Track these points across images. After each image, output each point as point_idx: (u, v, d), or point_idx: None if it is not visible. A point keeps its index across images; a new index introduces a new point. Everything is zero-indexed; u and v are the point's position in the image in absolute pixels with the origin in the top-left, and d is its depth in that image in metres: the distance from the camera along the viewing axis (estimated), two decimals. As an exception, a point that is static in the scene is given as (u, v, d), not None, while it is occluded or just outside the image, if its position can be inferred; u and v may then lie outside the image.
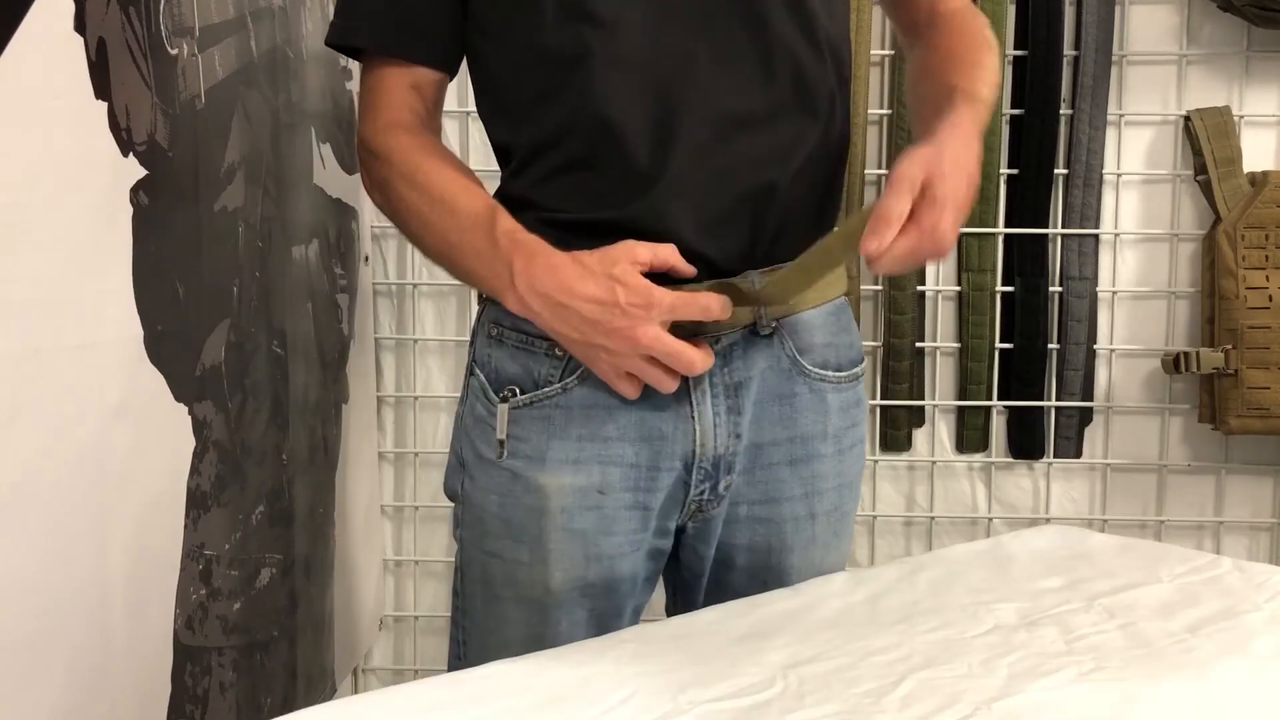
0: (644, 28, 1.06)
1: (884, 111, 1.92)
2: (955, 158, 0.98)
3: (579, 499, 1.12)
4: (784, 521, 1.17)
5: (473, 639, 1.21)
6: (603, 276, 1.02)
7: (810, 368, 1.15)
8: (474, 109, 1.95)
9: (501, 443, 1.13)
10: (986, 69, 1.10)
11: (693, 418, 1.11)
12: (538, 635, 1.14)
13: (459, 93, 1.94)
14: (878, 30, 1.91)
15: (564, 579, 1.13)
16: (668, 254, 1.05)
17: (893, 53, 1.90)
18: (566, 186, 1.10)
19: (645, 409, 1.11)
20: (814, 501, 1.18)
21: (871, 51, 1.89)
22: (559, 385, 1.11)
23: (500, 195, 1.15)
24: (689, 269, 1.06)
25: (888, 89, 1.92)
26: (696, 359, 1.04)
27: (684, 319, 1.04)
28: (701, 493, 1.14)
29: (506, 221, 1.06)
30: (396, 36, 1.13)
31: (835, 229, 1.10)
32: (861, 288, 1.92)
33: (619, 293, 1.02)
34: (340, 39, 1.16)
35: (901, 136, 1.91)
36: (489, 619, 1.18)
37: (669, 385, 1.06)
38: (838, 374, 1.18)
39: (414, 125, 1.14)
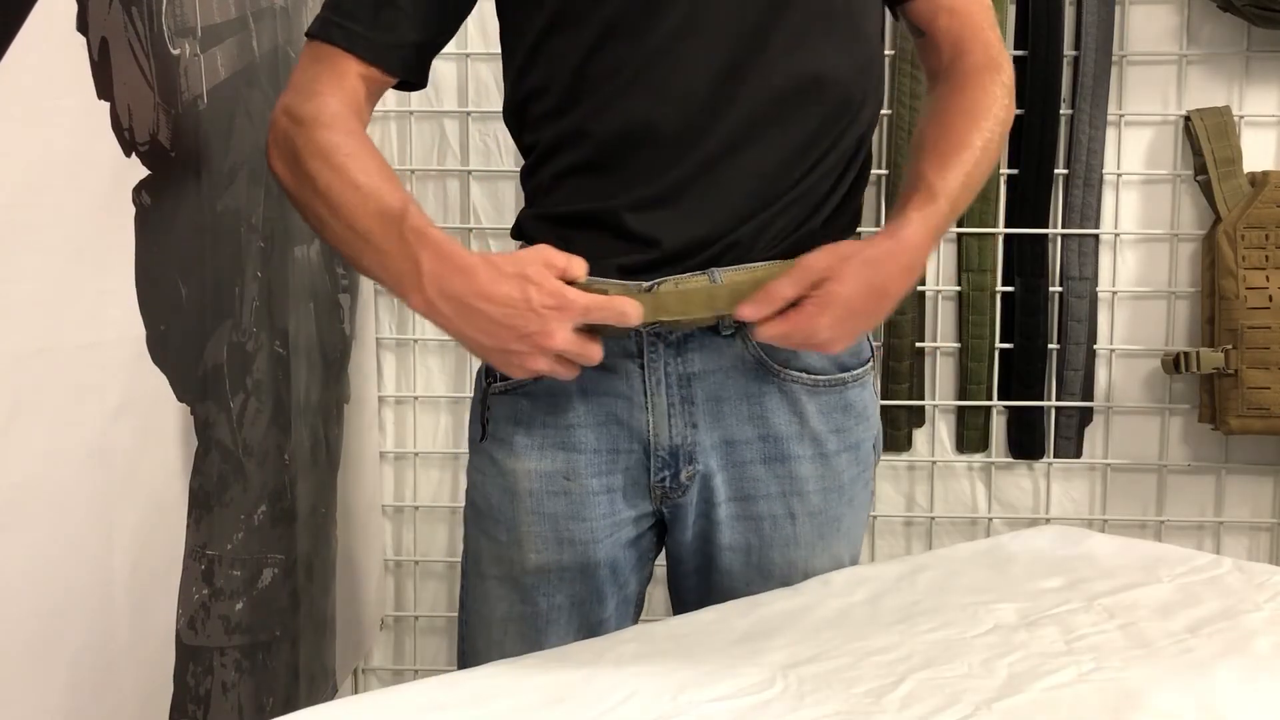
0: (674, 43, 1.07)
1: (884, 111, 1.92)
2: (870, 273, 1.03)
3: (545, 483, 1.15)
4: (761, 519, 1.17)
5: (472, 620, 1.24)
6: (516, 278, 0.99)
7: (778, 368, 1.14)
8: (473, 109, 1.97)
9: (483, 426, 1.19)
10: (969, 150, 1.09)
11: (647, 407, 1.13)
12: (519, 614, 1.19)
13: (459, 93, 1.94)
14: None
15: (538, 561, 1.17)
16: (580, 267, 1.02)
17: (893, 52, 1.90)
18: (573, 185, 1.12)
19: (605, 395, 1.13)
20: (793, 502, 1.17)
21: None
22: None
23: (525, 189, 1.18)
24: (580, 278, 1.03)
25: (888, 89, 1.92)
26: (597, 353, 1.03)
27: (598, 323, 1.02)
28: (663, 479, 1.15)
29: (417, 219, 1.02)
30: (371, 41, 1.11)
31: (741, 276, 1.07)
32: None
33: (532, 294, 0.98)
34: (320, 31, 1.12)
35: (902, 136, 1.91)
36: (481, 599, 1.22)
37: (569, 375, 1.04)
38: (813, 377, 1.16)
39: (348, 110, 1.10)
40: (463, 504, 1.25)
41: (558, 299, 0.99)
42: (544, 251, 1.02)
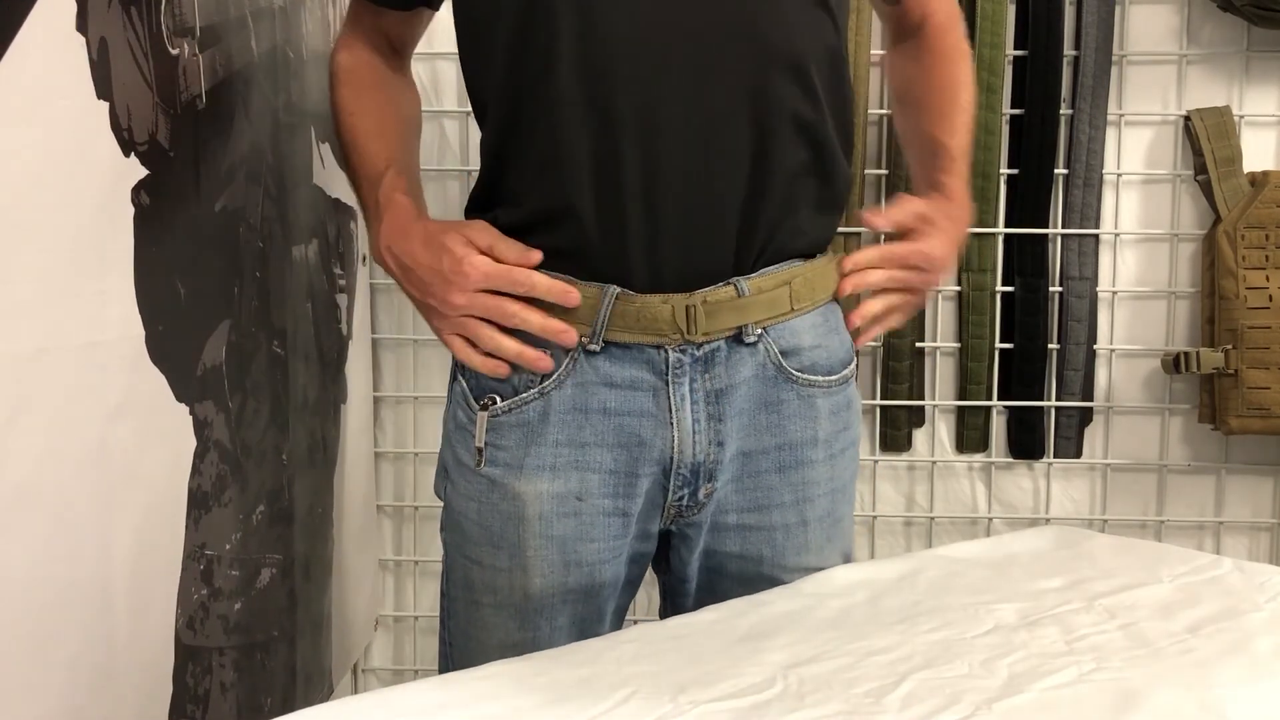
0: (644, 59, 1.07)
1: (884, 112, 1.92)
2: (950, 227, 1.20)
3: (556, 505, 1.12)
4: (774, 529, 1.17)
5: (458, 642, 1.22)
6: (435, 245, 1.11)
7: (797, 374, 1.15)
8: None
9: (480, 450, 1.14)
10: (966, 110, 1.26)
11: (671, 424, 1.11)
12: (518, 641, 1.16)
13: (459, 93, 1.94)
14: (878, 29, 1.91)
15: (543, 585, 1.14)
16: (509, 251, 1.10)
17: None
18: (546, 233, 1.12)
19: (623, 414, 1.11)
20: (805, 508, 1.18)
21: (871, 51, 1.89)
22: (537, 390, 1.12)
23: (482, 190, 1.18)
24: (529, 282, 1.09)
25: (888, 90, 1.92)
26: (509, 348, 1.10)
27: (503, 290, 1.09)
28: (680, 499, 1.14)
29: (390, 180, 1.16)
30: None
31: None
32: (861, 288, 1.92)
33: (443, 260, 1.09)
34: None
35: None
36: (471, 624, 1.19)
37: (487, 368, 1.12)
38: (827, 378, 1.17)
39: (367, 55, 1.25)
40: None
41: (457, 264, 1.09)
42: (473, 229, 1.11)
